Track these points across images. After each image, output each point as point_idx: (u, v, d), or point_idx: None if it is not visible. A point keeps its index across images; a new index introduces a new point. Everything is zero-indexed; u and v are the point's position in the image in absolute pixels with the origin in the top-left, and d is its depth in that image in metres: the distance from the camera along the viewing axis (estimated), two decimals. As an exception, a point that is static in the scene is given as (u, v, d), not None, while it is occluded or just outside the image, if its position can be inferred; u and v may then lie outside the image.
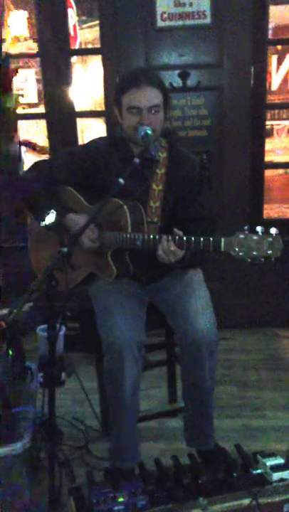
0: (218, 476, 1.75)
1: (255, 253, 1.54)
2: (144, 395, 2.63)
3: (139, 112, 1.83)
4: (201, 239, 1.66)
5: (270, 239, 1.53)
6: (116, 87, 1.94)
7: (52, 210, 1.92)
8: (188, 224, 1.80)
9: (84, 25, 4.20)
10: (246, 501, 1.63)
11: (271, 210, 4.42)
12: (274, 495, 1.66)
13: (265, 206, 3.56)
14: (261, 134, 3.36)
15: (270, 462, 1.75)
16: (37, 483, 2.01)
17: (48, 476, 1.62)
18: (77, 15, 3.94)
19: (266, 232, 1.53)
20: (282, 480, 1.70)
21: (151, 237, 1.78)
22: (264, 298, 3.42)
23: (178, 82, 3.10)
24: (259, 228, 1.54)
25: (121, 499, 1.63)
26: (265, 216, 3.58)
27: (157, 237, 1.76)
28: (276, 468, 1.73)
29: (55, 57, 3.21)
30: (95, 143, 2.03)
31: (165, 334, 2.43)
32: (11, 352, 2.05)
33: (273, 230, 1.53)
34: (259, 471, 1.76)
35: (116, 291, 1.98)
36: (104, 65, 3.23)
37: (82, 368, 2.51)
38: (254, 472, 1.76)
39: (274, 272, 3.29)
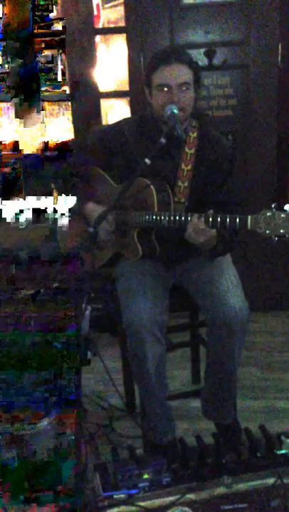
0: (242, 455, 1.76)
1: (282, 231, 1.54)
2: (167, 376, 2.66)
3: (169, 89, 1.81)
4: (228, 217, 1.66)
5: None
6: (146, 68, 1.93)
7: (73, 196, 1.93)
8: (216, 208, 1.79)
9: (106, 5, 4.14)
10: (271, 481, 1.64)
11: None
12: (299, 475, 1.66)
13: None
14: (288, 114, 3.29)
15: (295, 443, 1.75)
16: (62, 460, 2.05)
17: (74, 453, 1.65)
18: (101, -6, 3.89)
19: None
20: (306, 461, 1.70)
21: (182, 216, 1.77)
22: (288, 280, 3.39)
23: (203, 61, 3.05)
24: (287, 206, 1.52)
25: (146, 476, 1.65)
26: (290, 199, 3.53)
27: (189, 216, 1.75)
28: (300, 449, 1.73)
29: (79, 37, 3.19)
30: (123, 123, 2.03)
31: (189, 316, 2.43)
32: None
33: None
34: (283, 451, 1.76)
35: (140, 272, 1.98)
36: (129, 44, 3.19)
37: (107, 349, 2.53)
38: (278, 452, 1.76)
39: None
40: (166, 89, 1.82)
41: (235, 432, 2.01)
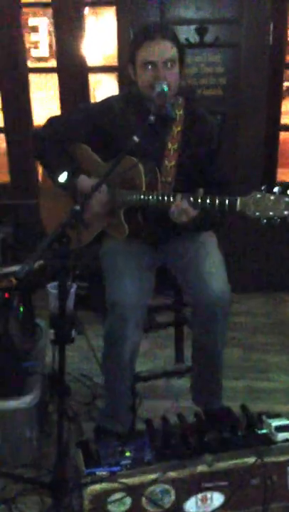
0: (223, 434, 1.78)
1: (271, 213, 1.53)
2: (151, 354, 2.68)
3: (154, 66, 1.77)
4: (217, 198, 1.64)
5: (288, 199, 1.51)
6: (130, 44, 1.87)
7: (64, 171, 1.89)
8: (205, 188, 1.78)
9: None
10: (251, 460, 1.66)
11: (284, 175, 4.35)
12: (279, 455, 1.69)
13: (279, 170, 3.50)
14: (278, 94, 3.27)
15: (275, 423, 1.77)
16: (45, 436, 2.06)
17: (57, 430, 1.65)
18: None
19: (283, 193, 1.52)
20: (287, 440, 1.72)
21: (166, 196, 1.75)
22: (272, 263, 3.42)
23: (195, 38, 2.99)
24: (276, 188, 1.52)
25: (128, 453, 1.67)
26: (278, 180, 3.53)
27: (172, 196, 1.73)
28: (281, 428, 1.75)
29: (68, 8, 3.11)
30: (111, 100, 1.98)
31: (174, 296, 2.43)
32: (21, 308, 2.07)
33: None
34: (264, 431, 1.78)
35: (126, 251, 1.96)
36: (119, 18, 3.12)
37: (91, 327, 2.53)
38: (259, 432, 1.79)
39: (283, 237, 3.27)
40: (150, 66, 1.77)
41: (224, 418, 1.99)
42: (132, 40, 1.88)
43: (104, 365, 1.99)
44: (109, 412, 2.02)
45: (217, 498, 1.68)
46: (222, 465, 1.66)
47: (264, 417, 1.81)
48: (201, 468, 1.65)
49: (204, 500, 1.67)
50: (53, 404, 2.11)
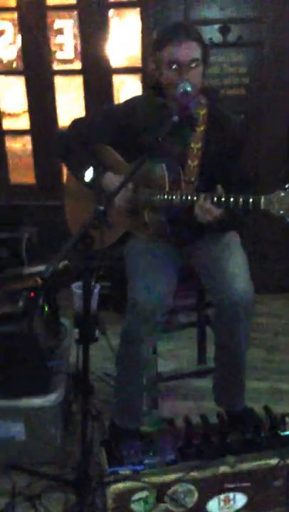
0: (246, 435, 1.77)
1: None
2: (174, 355, 2.68)
3: (179, 66, 1.78)
4: (240, 197, 1.65)
5: None
6: (154, 44, 1.89)
7: (90, 168, 1.91)
8: (228, 187, 1.78)
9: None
10: (274, 461, 1.66)
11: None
12: (302, 457, 1.68)
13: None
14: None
15: (299, 425, 1.76)
16: (69, 435, 2.09)
17: (81, 428, 1.67)
18: None
19: None
20: (310, 442, 1.72)
21: (189, 196, 1.76)
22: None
23: (218, 37, 2.99)
24: None
25: (151, 453, 1.68)
26: (301, 180, 3.50)
27: (195, 196, 1.74)
28: (304, 430, 1.75)
29: (92, 10, 3.14)
30: (134, 101, 2.00)
31: (197, 296, 2.43)
32: (46, 308, 2.09)
33: None
34: (287, 432, 1.78)
35: (149, 251, 1.97)
36: (143, 19, 3.14)
37: (112, 327, 2.55)
38: (282, 433, 1.78)
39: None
40: (175, 66, 1.78)
41: (247, 418, 1.99)
42: (155, 39, 1.90)
43: (119, 363, 1.98)
44: (121, 408, 2.02)
45: (240, 499, 1.68)
46: (245, 466, 1.66)
47: (287, 419, 1.81)
48: (223, 469, 1.65)
49: (227, 501, 1.68)
50: (77, 403, 2.14)
